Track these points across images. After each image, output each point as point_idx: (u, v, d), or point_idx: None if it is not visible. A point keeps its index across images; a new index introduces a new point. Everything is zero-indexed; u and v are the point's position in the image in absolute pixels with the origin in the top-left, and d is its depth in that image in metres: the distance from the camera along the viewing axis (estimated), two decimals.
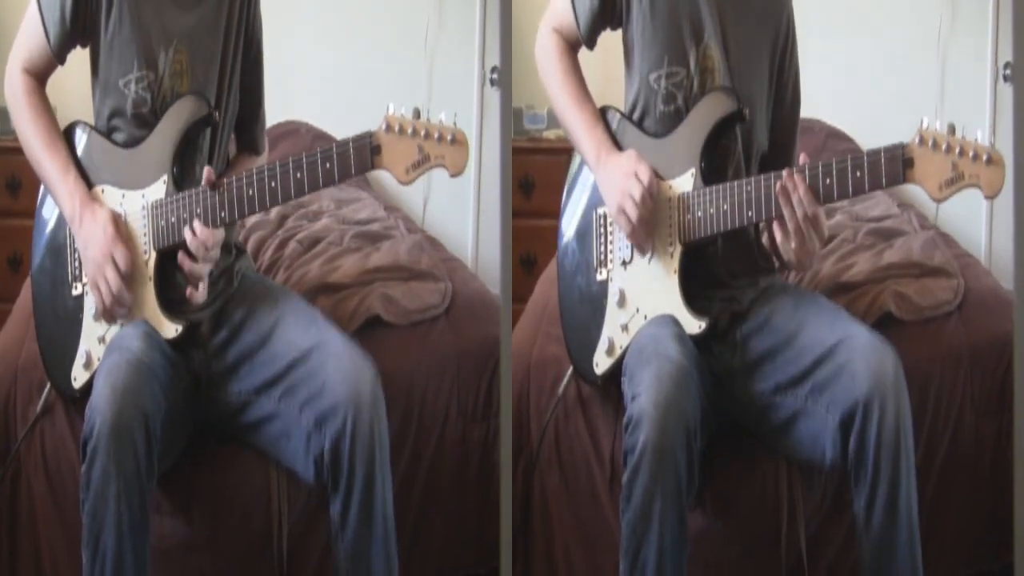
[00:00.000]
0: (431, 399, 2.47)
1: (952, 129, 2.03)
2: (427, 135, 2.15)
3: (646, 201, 2.29)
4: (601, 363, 2.36)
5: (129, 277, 2.26)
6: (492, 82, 3.36)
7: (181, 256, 2.24)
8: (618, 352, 2.34)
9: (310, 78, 3.51)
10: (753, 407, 2.30)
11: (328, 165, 2.17)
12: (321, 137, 3.51)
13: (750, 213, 2.23)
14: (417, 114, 2.15)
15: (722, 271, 2.34)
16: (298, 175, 2.18)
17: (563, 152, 3.57)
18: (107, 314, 2.28)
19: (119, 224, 2.28)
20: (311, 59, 3.53)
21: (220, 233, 2.24)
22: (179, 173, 2.29)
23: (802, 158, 2.20)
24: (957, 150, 2.01)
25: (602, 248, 2.39)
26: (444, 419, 2.47)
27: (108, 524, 2.10)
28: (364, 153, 2.15)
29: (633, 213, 2.29)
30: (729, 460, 2.37)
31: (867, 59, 3.42)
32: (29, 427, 2.36)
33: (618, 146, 2.39)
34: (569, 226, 2.47)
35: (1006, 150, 3.00)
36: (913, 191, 3.56)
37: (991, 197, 2.01)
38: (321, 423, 2.19)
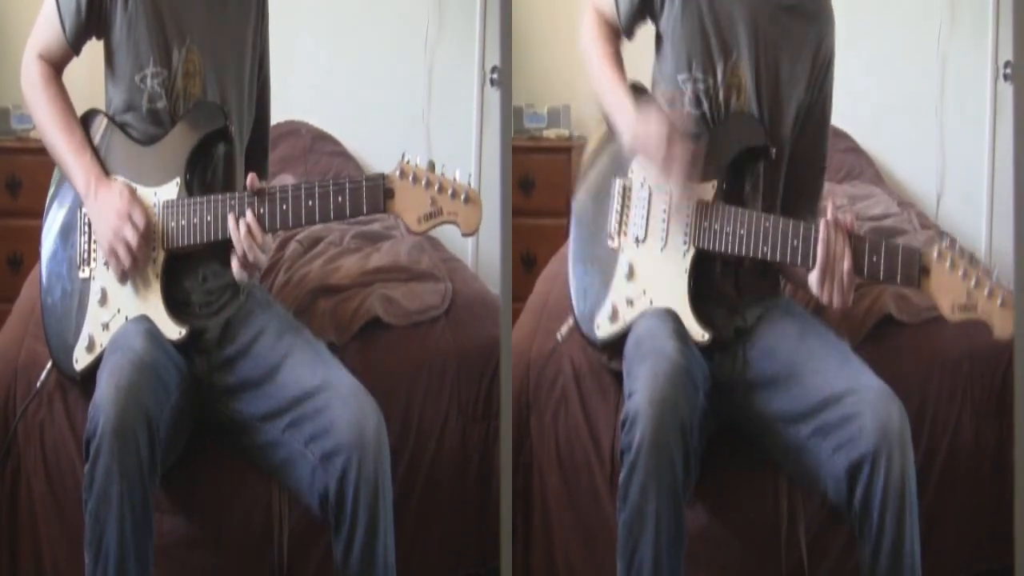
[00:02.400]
0: (431, 399, 2.47)
1: (972, 259, 2.12)
2: (441, 189, 2.17)
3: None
4: (603, 326, 2.37)
5: (146, 236, 2.26)
6: (492, 82, 3.36)
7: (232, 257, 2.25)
8: (621, 323, 2.34)
9: (310, 78, 3.52)
10: (754, 424, 2.30)
11: (340, 199, 2.18)
12: (321, 137, 3.52)
13: (765, 249, 2.23)
14: (432, 166, 2.17)
15: (728, 287, 2.34)
16: (310, 203, 2.20)
17: (563, 151, 3.60)
18: (125, 277, 2.29)
19: (134, 192, 2.29)
20: (311, 59, 3.54)
21: (267, 240, 2.24)
22: (191, 178, 2.30)
23: (829, 211, 2.19)
24: (973, 280, 2.10)
25: (617, 219, 2.38)
26: (444, 419, 2.47)
27: (111, 524, 2.10)
28: (377, 193, 2.17)
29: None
30: (729, 460, 2.36)
31: (868, 58, 3.43)
32: (28, 401, 2.35)
33: None
34: (586, 173, 2.47)
35: (1006, 148, 2.99)
36: (913, 190, 3.58)
37: (1002, 338, 2.11)
38: (326, 462, 2.19)
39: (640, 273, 2.35)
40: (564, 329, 2.47)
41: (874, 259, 2.16)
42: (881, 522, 2.14)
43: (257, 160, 2.44)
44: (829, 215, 2.18)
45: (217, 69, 2.32)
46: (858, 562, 2.21)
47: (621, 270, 2.36)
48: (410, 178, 2.17)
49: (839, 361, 2.24)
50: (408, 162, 2.17)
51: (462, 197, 2.16)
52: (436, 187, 2.17)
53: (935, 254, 2.13)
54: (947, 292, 2.10)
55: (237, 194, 2.24)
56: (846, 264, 2.16)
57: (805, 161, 2.39)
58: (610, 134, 2.44)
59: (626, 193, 2.38)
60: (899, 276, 2.15)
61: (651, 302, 2.32)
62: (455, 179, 2.17)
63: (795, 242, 2.21)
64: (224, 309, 2.33)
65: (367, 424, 2.19)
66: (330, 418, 2.20)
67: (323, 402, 2.21)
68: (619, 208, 2.38)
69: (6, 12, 3.17)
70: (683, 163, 2.25)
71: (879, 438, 2.13)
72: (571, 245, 2.46)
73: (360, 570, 2.18)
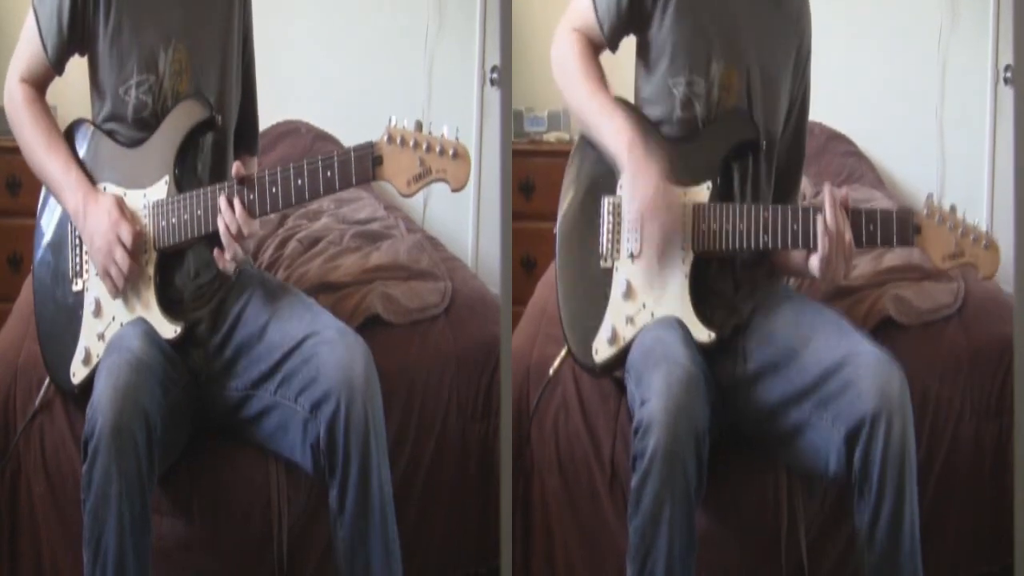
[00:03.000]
0: (431, 398, 2.47)
1: (953, 209, 2.25)
2: (429, 148, 2.14)
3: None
4: (602, 350, 2.34)
5: (135, 253, 2.25)
6: (492, 82, 3.36)
7: (216, 252, 2.24)
8: (621, 343, 2.32)
9: (310, 78, 3.52)
10: (757, 417, 2.29)
11: (329, 173, 2.17)
12: (321, 137, 3.52)
13: (766, 239, 2.26)
14: (419, 126, 2.15)
15: (726, 285, 2.34)
16: (299, 182, 2.18)
17: (563, 155, 3.58)
18: (117, 293, 2.28)
19: (123, 206, 2.28)
20: (311, 59, 3.54)
21: (254, 224, 2.22)
22: (180, 174, 2.29)
23: (827, 191, 2.23)
24: (960, 230, 2.25)
25: (608, 237, 2.37)
26: (444, 418, 2.47)
27: (109, 524, 2.10)
28: (365, 163, 2.15)
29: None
30: (730, 463, 2.36)
31: (868, 62, 3.43)
32: (27, 420, 2.36)
33: None
34: (565, 199, 2.45)
35: (1006, 152, 2.99)
36: (914, 194, 3.58)
37: (987, 278, 2.28)
38: (316, 409, 2.19)
39: (638, 289, 2.33)
40: (556, 363, 2.45)
41: (871, 227, 2.24)
42: (880, 487, 2.13)
43: (247, 139, 2.45)
44: (827, 194, 2.22)
45: (204, 62, 2.32)
46: (855, 531, 2.19)
47: (618, 289, 2.34)
48: (398, 141, 2.14)
49: (837, 333, 2.25)
50: (396, 125, 2.15)
51: (450, 153, 2.14)
52: (424, 147, 2.14)
53: (925, 212, 2.24)
54: (938, 245, 2.25)
55: (226, 184, 2.23)
56: (847, 238, 2.21)
57: (788, 153, 2.41)
58: (580, 152, 2.44)
59: (616, 210, 2.37)
60: (895, 238, 2.25)
61: (652, 315, 2.31)
62: (443, 136, 2.15)
63: (795, 226, 2.24)
64: (214, 297, 2.33)
65: (354, 365, 2.19)
66: (317, 365, 2.20)
67: (310, 350, 2.22)
68: (610, 226, 2.37)
69: (5, 12, 3.17)
70: (660, 242, 2.27)
71: (878, 401, 2.13)
72: (558, 272, 2.43)
73: (356, 513, 2.17)
